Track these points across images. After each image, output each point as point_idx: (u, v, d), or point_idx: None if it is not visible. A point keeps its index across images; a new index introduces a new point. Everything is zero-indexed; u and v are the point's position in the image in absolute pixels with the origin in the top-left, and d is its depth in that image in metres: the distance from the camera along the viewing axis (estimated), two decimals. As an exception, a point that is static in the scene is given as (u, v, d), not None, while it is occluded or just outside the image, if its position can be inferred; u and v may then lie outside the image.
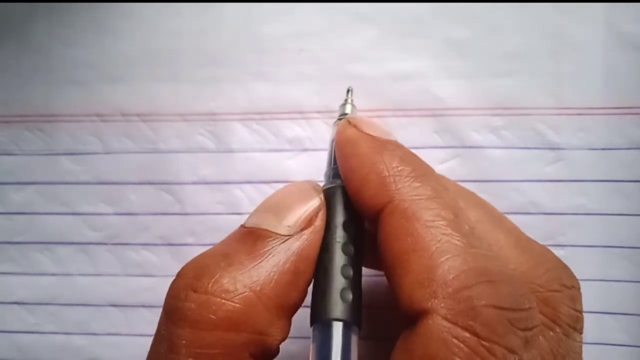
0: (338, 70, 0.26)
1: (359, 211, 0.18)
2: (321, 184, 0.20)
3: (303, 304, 0.18)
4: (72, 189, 0.27)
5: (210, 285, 0.16)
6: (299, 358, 0.24)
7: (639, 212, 0.25)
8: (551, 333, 0.17)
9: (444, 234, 0.16)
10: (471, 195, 0.20)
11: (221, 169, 0.26)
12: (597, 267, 0.25)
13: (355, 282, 0.18)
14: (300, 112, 0.26)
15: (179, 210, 0.27)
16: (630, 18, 0.25)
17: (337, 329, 0.17)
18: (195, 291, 0.16)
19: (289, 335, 0.18)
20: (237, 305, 0.16)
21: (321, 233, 0.18)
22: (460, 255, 0.16)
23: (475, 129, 0.26)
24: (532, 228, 0.24)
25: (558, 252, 0.25)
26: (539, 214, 0.25)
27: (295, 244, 0.18)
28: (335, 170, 0.20)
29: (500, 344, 0.15)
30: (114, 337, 0.27)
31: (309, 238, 0.18)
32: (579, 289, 0.19)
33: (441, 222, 0.16)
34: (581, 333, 0.18)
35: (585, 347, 0.24)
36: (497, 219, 0.20)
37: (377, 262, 0.18)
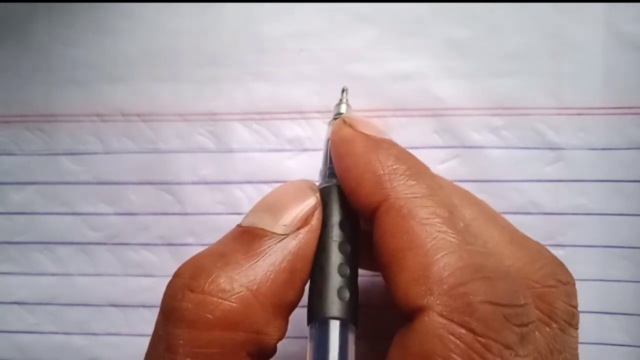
0: (338, 70, 0.26)
1: (354, 210, 0.19)
2: (317, 183, 0.20)
3: (300, 304, 0.18)
4: (72, 189, 0.27)
5: (207, 285, 0.16)
6: (296, 357, 0.24)
7: (639, 212, 0.25)
8: (547, 329, 0.17)
9: (439, 231, 0.16)
10: (466, 194, 0.20)
11: (221, 169, 0.27)
12: (597, 267, 0.25)
13: (352, 280, 0.18)
14: (300, 112, 0.26)
15: (179, 210, 0.27)
16: (630, 18, 0.25)
17: (335, 327, 0.17)
18: (192, 291, 0.16)
19: (287, 334, 0.18)
20: (234, 304, 0.16)
21: (317, 232, 0.18)
22: (456, 252, 0.16)
23: (475, 129, 0.26)
24: (532, 228, 0.24)
25: (558, 252, 0.25)
26: (539, 214, 0.25)
27: (292, 243, 0.18)
28: (331, 169, 0.20)
29: (496, 340, 0.15)
30: (114, 337, 0.27)
31: (306, 237, 0.18)
32: (574, 284, 0.19)
33: (436, 220, 0.16)
34: (577, 329, 0.18)
35: (585, 347, 0.25)
36: (492, 217, 0.20)
37: (372, 262, 0.18)
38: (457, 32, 0.26)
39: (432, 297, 0.15)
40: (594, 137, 0.25)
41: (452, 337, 0.15)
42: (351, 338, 0.17)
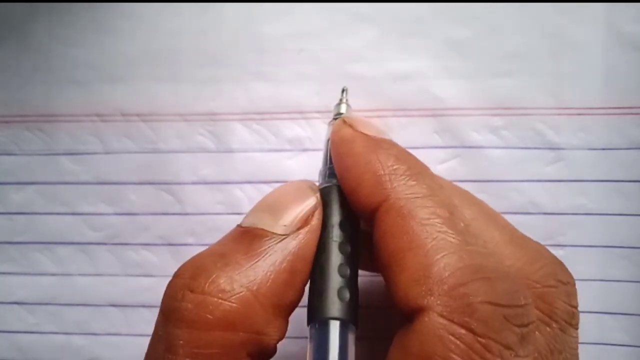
0: (338, 70, 0.26)
1: (354, 210, 0.19)
2: (317, 183, 0.20)
3: (300, 303, 0.18)
4: (72, 189, 0.27)
5: (207, 285, 0.16)
6: (296, 357, 0.24)
7: (639, 212, 0.25)
8: (547, 329, 0.17)
9: (439, 231, 0.16)
10: (465, 194, 0.20)
11: (221, 169, 0.27)
12: (597, 267, 0.25)
13: (352, 281, 0.18)
14: (300, 112, 0.26)
15: (179, 210, 0.27)
16: (630, 18, 0.25)
17: (335, 327, 0.17)
18: (192, 291, 0.16)
19: (287, 334, 0.18)
20: (234, 305, 0.16)
21: (318, 232, 0.18)
22: (456, 252, 0.16)
23: (475, 129, 0.26)
24: (532, 228, 0.24)
25: (558, 252, 0.25)
26: (539, 214, 0.25)
27: (292, 243, 0.18)
28: (331, 169, 0.20)
29: (496, 340, 0.15)
30: (114, 337, 0.27)
31: (306, 237, 0.18)
32: (574, 284, 0.19)
33: (436, 220, 0.16)
34: (577, 328, 0.18)
35: (585, 347, 0.25)
36: (492, 217, 0.20)
37: (372, 263, 0.18)
38: (457, 32, 0.26)
39: (432, 298, 0.15)
40: (594, 137, 0.25)
41: (452, 338, 0.15)
42: (351, 338, 0.17)
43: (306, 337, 0.17)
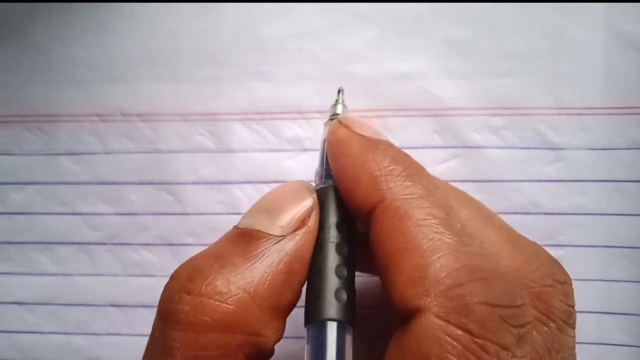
0: (338, 70, 0.26)
1: (351, 211, 0.19)
2: (313, 184, 0.20)
3: (298, 304, 0.18)
4: (72, 189, 0.27)
5: (203, 287, 0.16)
6: (295, 358, 0.24)
7: (639, 212, 0.25)
8: (545, 328, 0.17)
9: (435, 232, 0.16)
10: (462, 194, 0.20)
11: (221, 169, 0.27)
12: (597, 267, 0.25)
13: (349, 282, 0.18)
14: (300, 112, 0.26)
15: (179, 210, 0.27)
16: (630, 18, 0.25)
17: (332, 329, 0.17)
18: (189, 293, 0.16)
19: (285, 334, 0.18)
20: (231, 306, 0.16)
21: (314, 233, 0.18)
22: (452, 253, 0.16)
23: (475, 129, 0.26)
24: (532, 228, 0.24)
25: (558, 252, 0.25)
26: (539, 214, 0.25)
27: (289, 245, 0.18)
28: (328, 170, 0.20)
29: (493, 341, 0.15)
30: (114, 337, 0.27)
31: (303, 238, 0.18)
32: (570, 284, 0.19)
33: (433, 221, 0.16)
34: (574, 328, 0.18)
35: (585, 347, 0.25)
36: (488, 217, 0.20)
37: (369, 265, 0.18)
38: (457, 32, 0.26)
39: (428, 299, 0.15)
40: (594, 137, 0.25)
41: (448, 339, 0.15)
42: (348, 339, 0.17)
43: (304, 337, 0.17)
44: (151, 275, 0.27)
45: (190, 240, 0.27)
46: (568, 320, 0.18)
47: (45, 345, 0.27)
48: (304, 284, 0.18)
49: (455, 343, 0.15)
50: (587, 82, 0.25)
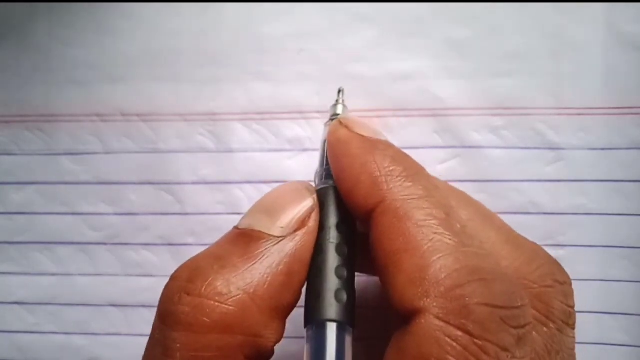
0: (338, 70, 0.26)
1: (351, 211, 0.19)
2: (313, 185, 0.20)
3: (298, 304, 0.18)
4: (72, 189, 0.27)
5: (203, 288, 0.16)
6: (295, 358, 0.24)
7: (639, 212, 0.25)
8: (545, 329, 0.17)
9: (435, 233, 0.16)
10: (462, 195, 0.20)
11: (221, 169, 0.27)
12: (597, 267, 0.25)
13: (349, 282, 0.18)
14: (300, 112, 0.26)
15: (179, 210, 0.27)
16: (630, 18, 0.25)
17: (332, 329, 0.17)
18: (188, 294, 0.16)
19: (286, 335, 0.18)
20: (231, 307, 0.16)
21: (315, 234, 0.18)
22: (452, 254, 0.16)
23: (475, 129, 0.26)
24: (532, 228, 0.25)
25: (558, 252, 0.25)
26: (539, 214, 0.25)
27: (289, 245, 0.18)
28: (328, 170, 0.20)
29: (493, 342, 0.15)
30: (114, 337, 0.27)
31: (303, 239, 0.18)
32: (570, 284, 0.19)
33: (433, 222, 0.16)
34: (573, 328, 0.18)
35: (585, 347, 0.25)
36: (488, 217, 0.20)
37: (368, 265, 0.18)
38: (457, 32, 0.26)
39: (428, 300, 0.15)
40: (594, 137, 0.25)
41: (448, 340, 0.15)
42: (348, 340, 0.17)
43: (304, 338, 0.17)
44: (151, 275, 0.27)
45: (190, 240, 0.27)
46: (568, 320, 0.18)
47: (45, 345, 0.27)
48: (304, 285, 0.18)
49: (454, 344, 0.15)
50: (587, 82, 0.25)
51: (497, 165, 0.26)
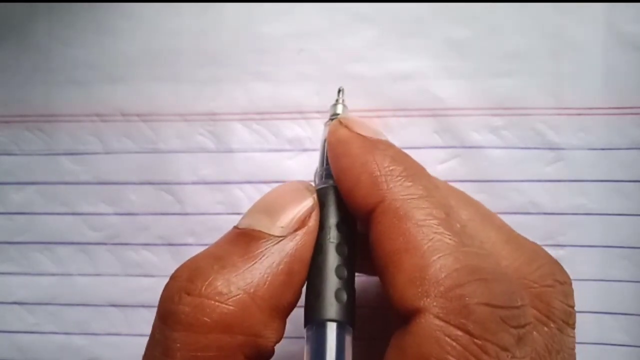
0: (338, 70, 0.26)
1: (351, 211, 0.19)
2: (313, 184, 0.20)
3: (298, 303, 0.18)
4: (72, 189, 0.27)
5: (204, 288, 0.16)
6: (295, 358, 0.24)
7: (639, 212, 0.25)
8: (545, 328, 0.17)
9: (435, 232, 0.16)
10: (461, 195, 0.20)
11: (221, 169, 0.27)
12: (597, 267, 0.25)
13: (349, 282, 0.18)
14: (300, 112, 0.26)
15: (179, 210, 0.27)
16: (630, 18, 0.25)
17: (332, 329, 0.17)
18: (189, 294, 0.16)
19: (286, 335, 0.18)
20: (231, 307, 0.16)
21: (315, 233, 0.18)
22: (452, 253, 0.16)
23: (475, 129, 0.26)
24: (532, 228, 0.25)
25: (558, 252, 0.25)
26: (539, 214, 0.25)
27: (289, 245, 0.18)
28: (328, 170, 0.20)
29: (493, 342, 0.15)
30: (114, 337, 0.27)
31: (303, 239, 0.18)
32: (570, 284, 0.19)
33: (433, 221, 0.16)
34: (574, 328, 0.18)
35: (585, 347, 0.25)
36: (488, 217, 0.20)
37: (368, 265, 0.18)
38: (457, 32, 0.26)
39: (428, 299, 0.15)
40: (594, 137, 0.25)
41: (448, 339, 0.15)
42: (348, 340, 0.17)
43: (304, 338, 0.17)
44: (151, 275, 0.27)
45: (190, 240, 0.27)
46: (568, 320, 0.18)
47: (45, 345, 0.27)
48: (304, 285, 0.18)
49: (454, 344, 0.15)
50: (587, 82, 0.25)
51: (497, 165, 0.26)
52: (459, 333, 0.15)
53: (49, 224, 0.27)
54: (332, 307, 0.17)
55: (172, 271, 0.18)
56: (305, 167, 0.26)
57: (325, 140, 0.20)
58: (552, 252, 0.20)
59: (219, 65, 0.27)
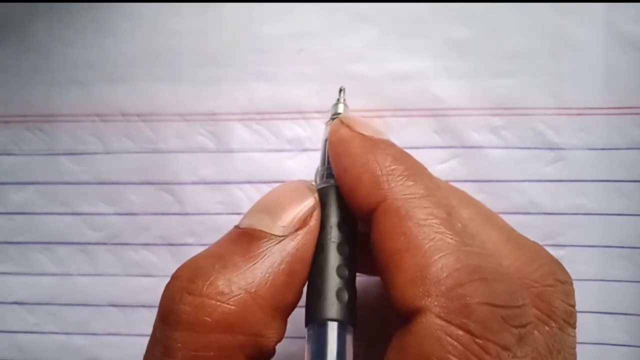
0: (338, 70, 0.26)
1: (352, 211, 0.18)
2: (314, 184, 0.20)
3: (299, 303, 0.18)
4: (72, 189, 0.27)
5: (205, 288, 0.16)
6: (296, 358, 0.24)
7: (639, 212, 0.25)
8: (546, 328, 0.17)
9: (436, 232, 0.16)
10: (463, 194, 0.20)
11: (221, 169, 0.27)
12: (597, 267, 0.25)
13: (350, 282, 0.18)
14: (300, 112, 0.26)
15: (179, 210, 0.27)
16: (630, 18, 0.25)
17: (333, 329, 0.17)
18: (190, 294, 0.16)
19: (286, 335, 0.18)
20: (232, 307, 0.16)
21: (316, 233, 0.18)
22: (453, 253, 0.16)
23: (475, 129, 0.26)
24: (532, 228, 0.25)
25: (558, 252, 0.25)
26: (539, 214, 0.25)
27: (290, 245, 0.18)
28: (329, 169, 0.20)
29: (494, 342, 0.15)
30: (114, 337, 0.27)
31: (304, 238, 0.18)
32: (571, 284, 0.19)
33: (434, 221, 0.16)
34: (575, 328, 0.18)
35: (585, 347, 0.25)
36: (489, 217, 0.20)
37: (369, 265, 0.18)
38: (457, 32, 0.26)
39: (429, 299, 0.15)
40: (594, 137, 0.25)
41: (449, 339, 0.15)
42: (349, 339, 0.17)
43: (304, 337, 0.17)
44: (151, 275, 0.27)
45: (190, 240, 0.27)
46: (569, 319, 0.18)
47: (45, 345, 0.27)
48: (305, 284, 0.18)
49: (456, 343, 0.15)
50: (587, 82, 0.25)
51: (497, 165, 0.26)
52: (460, 332, 0.15)
53: (49, 224, 0.27)
54: (333, 307, 0.17)
55: (172, 271, 0.17)
56: (305, 167, 0.26)
57: (326, 140, 0.20)
58: (552, 252, 0.20)
59: (219, 65, 0.27)
